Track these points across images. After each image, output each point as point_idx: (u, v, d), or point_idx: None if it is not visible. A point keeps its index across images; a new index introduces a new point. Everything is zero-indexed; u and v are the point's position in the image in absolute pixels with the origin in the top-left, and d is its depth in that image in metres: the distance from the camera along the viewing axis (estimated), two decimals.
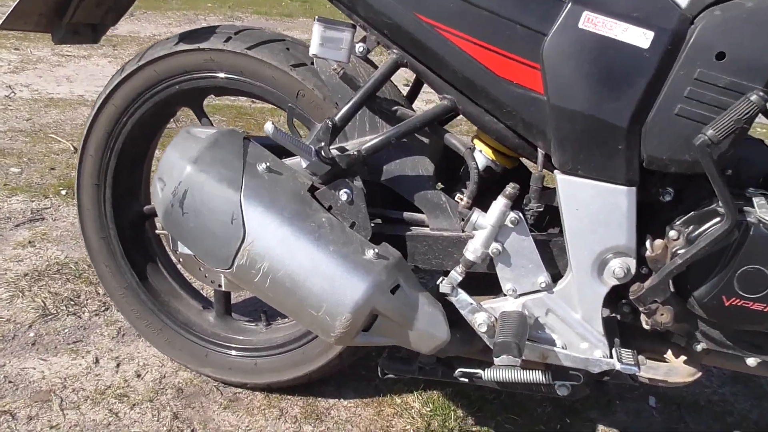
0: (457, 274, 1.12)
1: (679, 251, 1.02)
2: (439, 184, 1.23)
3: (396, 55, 1.12)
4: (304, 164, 1.10)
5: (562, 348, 1.11)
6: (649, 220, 1.09)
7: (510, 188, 1.06)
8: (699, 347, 1.10)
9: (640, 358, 1.16)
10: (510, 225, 1.07)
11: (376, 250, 1.07)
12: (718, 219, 0.99)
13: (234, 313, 1.59)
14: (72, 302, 1.81)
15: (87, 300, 1.82)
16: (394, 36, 1.10)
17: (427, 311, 1.10)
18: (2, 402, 1.42)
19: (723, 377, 1.69)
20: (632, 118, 0.98)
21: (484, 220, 1.08)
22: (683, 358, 1.16)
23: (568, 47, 0.99)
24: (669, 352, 1.17)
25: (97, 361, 1.60)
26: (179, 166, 1.06)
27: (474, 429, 1.46)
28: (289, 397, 1.51)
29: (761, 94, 0.88)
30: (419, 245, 1.18)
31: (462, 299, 1.13)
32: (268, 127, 1.01)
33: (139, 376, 1.55)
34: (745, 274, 0.97)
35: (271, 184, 1.08)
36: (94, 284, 1.87)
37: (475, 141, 1.19)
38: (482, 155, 1.17)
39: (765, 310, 0.98)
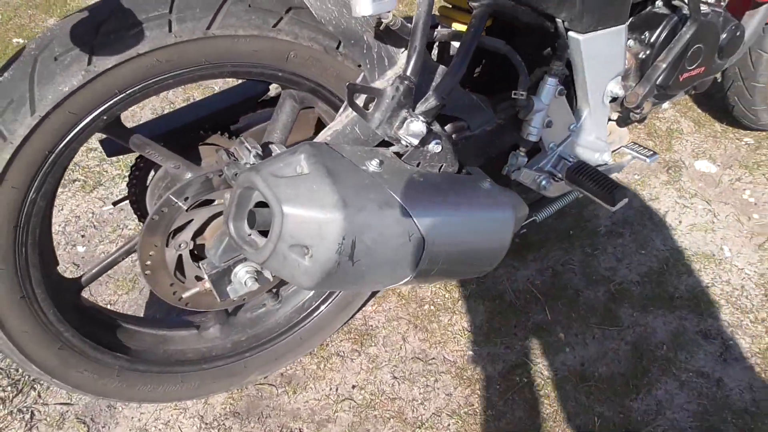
0: (522, 157, 1.23)
1: (643, 54, 1.29)
2: None
3: None
4: (412, 142, 0.98)
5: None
6: None
7: (556, 67, 1.15)
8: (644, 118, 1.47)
9: None
10: (558, 97, 1.19)
11: (488, 180, 1.10)
12: (667, 21, 1.28)
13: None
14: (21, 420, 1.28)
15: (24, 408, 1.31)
16: None
17: (515, 202, 1.21)
18: None
19: None
20: None
21: (542, 102, 1.17)
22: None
23: None
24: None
25: None
26: (330, 221, 0.85)
27: None
28: (329, 343, 1.49)
29: None
30: (471, 148, 1.21)
31: (527, 174, 1.26)
32: None
33: None
34: (692, 53, 1.32)
35: (399, 176, 0.96)
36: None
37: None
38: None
39: (699, 72, 1.37)
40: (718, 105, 2.17)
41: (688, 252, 1.72)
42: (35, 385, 1.38)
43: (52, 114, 0.87)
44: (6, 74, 0.88)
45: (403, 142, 0.99)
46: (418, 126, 0.97)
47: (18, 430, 1.30)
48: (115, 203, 1.29)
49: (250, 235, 0.93)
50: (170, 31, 0.90)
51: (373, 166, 0.95)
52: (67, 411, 1.35)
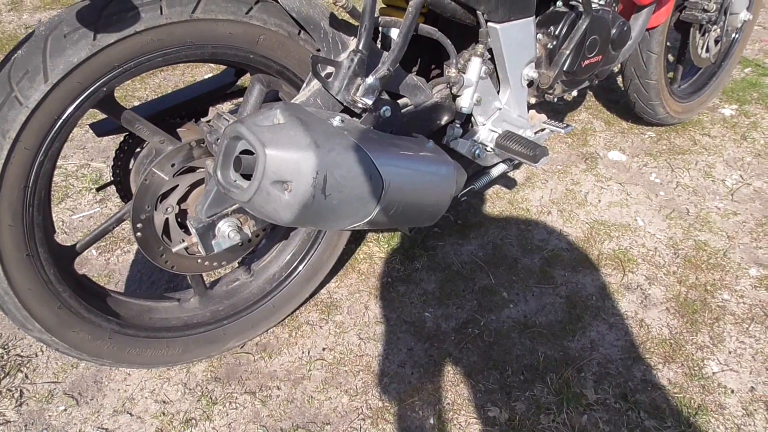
0: (458, 128, 1.44)
1: (551, 44, 1.55)
2: None
3: None
4: (368, 101, 1.18)
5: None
6: None
7: (480, 48, 1.39)
8: (559, 99, 1.73)
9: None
10: (483, 75, 1.42)
11: (431, 142, 1.30)
12: (566, 17, 1.55)
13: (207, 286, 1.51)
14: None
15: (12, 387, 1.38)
16: None
17: (456, 165, 1.42)
18: None
19: None
20: None
21: (470, 79, 1.40)
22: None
23: None
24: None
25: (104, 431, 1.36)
26: (305, 158, 1.03)
27: None
28: (298, 314, 1.63)
29: None
30: (414, 122, 1.42)
31: (463, 144, 1.47)
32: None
33: (165, 402, 1.42)
34: (590, 43, 1.59)
35: (358, 130, 1.15)
36: None
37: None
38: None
39: (598, 60, 1.64)
40: (623, 108, 2.49)
41: (608, 223, 1.97)
42: (22, 368, 1.46)
43: (62, 82, 1.02)
44: (20, 51, 1.03)
45: (360, 104, 1.19)
46: (372, 82, 1.17)
47: (9, 406, 1.38)
48: (99, 188, 1.43)
49: (235, 181, 1.09)
50: (161, 13, 1.08)
51: (336, 122, 1.14)
52: (55, 388, 1.43)
